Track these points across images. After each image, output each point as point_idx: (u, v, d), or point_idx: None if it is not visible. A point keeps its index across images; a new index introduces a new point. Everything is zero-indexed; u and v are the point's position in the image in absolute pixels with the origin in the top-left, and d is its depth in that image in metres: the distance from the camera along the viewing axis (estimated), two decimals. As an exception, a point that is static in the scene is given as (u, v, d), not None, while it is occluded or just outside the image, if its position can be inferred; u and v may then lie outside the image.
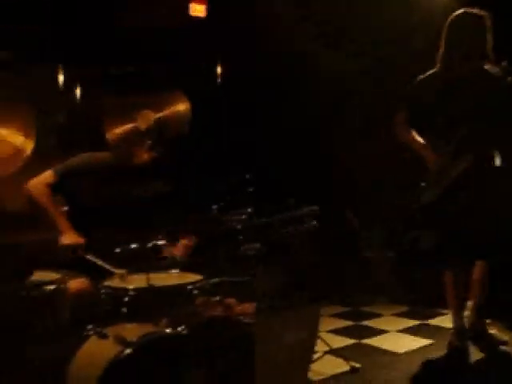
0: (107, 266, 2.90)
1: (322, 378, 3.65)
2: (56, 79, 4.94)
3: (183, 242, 3.36)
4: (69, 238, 3.16)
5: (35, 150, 4.28)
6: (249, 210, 3.25)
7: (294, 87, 5.33)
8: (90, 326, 2.63)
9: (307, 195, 3.56)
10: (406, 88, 3.83)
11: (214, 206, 3.31)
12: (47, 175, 3.36)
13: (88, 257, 2.98)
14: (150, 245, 2.77)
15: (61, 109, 4.96)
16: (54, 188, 3.33)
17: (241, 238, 3.23)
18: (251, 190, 3.40)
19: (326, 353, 3.87)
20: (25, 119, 4.54)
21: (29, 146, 4.32)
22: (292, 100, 5.35)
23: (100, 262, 2.93)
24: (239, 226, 3.21)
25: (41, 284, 2.76)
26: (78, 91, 5.02)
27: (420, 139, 3.83)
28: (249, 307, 3.27)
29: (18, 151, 4.32)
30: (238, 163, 4.36)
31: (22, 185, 3.95)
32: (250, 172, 3.48)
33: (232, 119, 5.18)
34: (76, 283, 2.96)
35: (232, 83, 5.26)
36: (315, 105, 5.38)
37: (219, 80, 5.20)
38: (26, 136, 4.35)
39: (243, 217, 3.23)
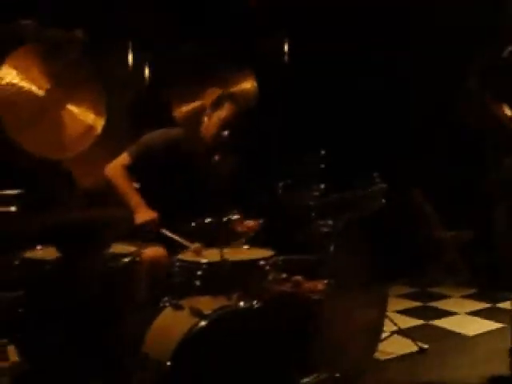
0: (182, 241, 2.93)
1: (389, 357, 3.63)
2: (126, 58, 5.00)
3: (250, 222, 3.35)
4: (143, 216, 3.20)
5: (106, 129, 4.38)
6: (321, 186, 3.24)
7: (365, 63, 5.24)
8: (165, 298, 2.68)
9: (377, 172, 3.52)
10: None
11: (284, 182, 3.29)
12: (123, 158, 3.36)
13: (163, 231, 3.01)
14: (224, 219, 2.78)
15: (130, 88, 5.02)
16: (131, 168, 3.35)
17: (313, 214, 3.22)
18: (323, 166, 3.37)
19: (393, 333, 3.85)
20: (95, 98, 4.65)
21: (99, 124, 4.43)
22: (359, 78, 5.27)
23: (175, 237, 2.96)
24: (312, 203, 3.20)
25: (118, 256, 2.84)
26: (146, 70, 5.07)
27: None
28: (318, 285, 3.26)
29: (90, 129, 4.43)
30: (310, 140, 4.32)
31: (93, 162, 4.05)
32: (321, 148, 3.44)
33: (301, 96, 5.13)
34: (152, 251, 3.00)
35: (300, 60, 5.21)
36: (384, 84, 5.29)
37: (286, 57, 5.16)
38: (97, 114, 4.46)
39: (316, 193, 3.21)
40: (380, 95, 5.26)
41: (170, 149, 3.31)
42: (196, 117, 4.61)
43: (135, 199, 3.24)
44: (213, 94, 4.84)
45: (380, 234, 3.29)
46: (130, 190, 3.28)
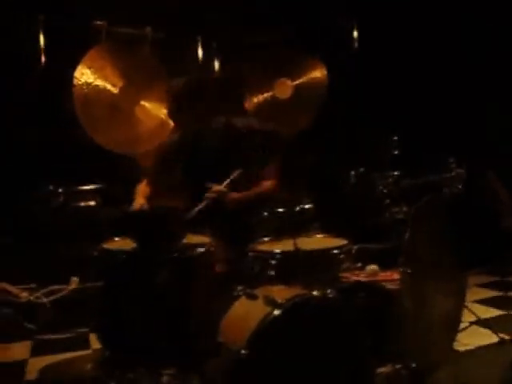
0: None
1: (468, 348, 3.53)
2: (195, 53, 5.06)
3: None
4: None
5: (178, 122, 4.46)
6: (395, 172, 3.17)
7: (436, 50, 5.10)
8: (239, 287, 2.70)
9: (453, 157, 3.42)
10: None
11: (357, 170, 3.25)
12: None
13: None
14: (297, 209, 2.78)
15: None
16: None
17: (387, 202, 3.16)
18: (396, 152, 3.30)
19: (472, 323, 3.74)
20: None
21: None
22: (433, 64, 5.14)
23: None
24: (385, 190, 3.14)
25: (192, 246, 2.89)
26: (217, 63, 5.11)
27: None
28: (394, 274, 3.21)
29: (163, 123, 4.52)
30: (382, 126, 4.25)
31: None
32: (394, 134, 3.37)
33: (372, 81, 5.05)
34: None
35: (370, 47, 5.13)
36: (458, 67, 5.12)
37: (356, 44, 5.08)
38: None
39: (389, 180, 3.15)
40: (453, 79, 5.11)
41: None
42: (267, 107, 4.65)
43: None
44: (283, 84, 4.85)
45: (458, 220, 3.19)
46: None
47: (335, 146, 4.79)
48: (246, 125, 3.52)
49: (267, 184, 3.41)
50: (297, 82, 4.90)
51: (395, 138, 3.36)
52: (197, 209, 3.12)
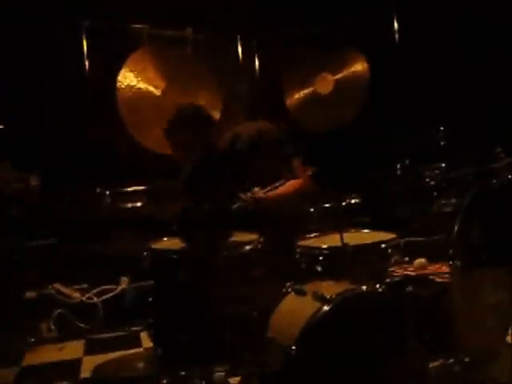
0: None
1: (523, 341, 3.45)
2: (235, 51, 5.08)
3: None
4: None
5: (221, 120, 4.49)
6: (442, 164, 3.11)
7: (478, 40, 4.99)
8: (288, 283, 2.71)
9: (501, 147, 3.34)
10: None
11: (403, 162, 3.20)
12: None
13: None
14: (344, 204, 2.76)
15: (242, 78, 5.10)
16: None
17: (435, 194, 3.11)
18: (443, 143, 3.24)
19: (526, 316, 3.64)
20: (209, 92, 4.78)
21: (215, 116, 4.54)
22: (477, 53, 5.02)
23: None
24: (433, 182, 3.09)
25: (240, 244, 2.91)
26: (257, 61, 5.13)
27: None
28: (443, 267, 3.17)
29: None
30: (428, 117, 4.18)
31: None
32: (441, 125, 3.31)
33: (416, 73, 4.98)
34: None
35: (410, 36, 5.05)
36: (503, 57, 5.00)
37: (397, 36, 5.01)
38: (212, 108, 4.57)
39: (437, 172, 3.09)
40: (497, 67, 4.98)
41: None
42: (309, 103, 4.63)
43: None
44: (323, 79, 4.82)
45: (508, 210, 3.12)
46: None
47: (380, 140, 4.73)
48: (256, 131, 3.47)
49: (297, 182, 3.37)
50: (337, 77, 4.88)
51: (442, 128, 3.30)
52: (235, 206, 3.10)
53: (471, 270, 2.88)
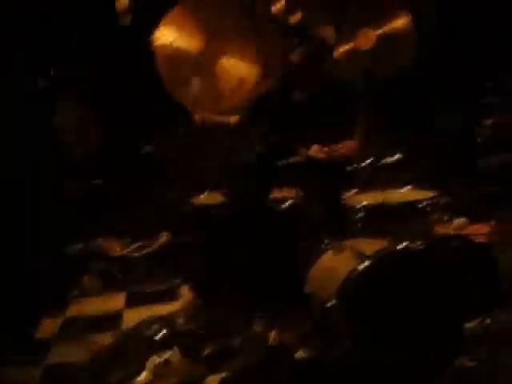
0: None
1: None
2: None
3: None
4: None
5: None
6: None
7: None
8: (327, 240, 2.72)
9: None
10: None
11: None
12: None
13: None
14: (382, 162, 2.74)
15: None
16: None
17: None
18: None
19: None
20: (249, 49, 4.67)
21: (253, 78, 4.46)
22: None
23: None
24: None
25: (279, 200, 2.92)
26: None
27: None
28: (482, 227, 3.14)
29: (242, 83, 4.47)
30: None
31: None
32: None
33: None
34: None
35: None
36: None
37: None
38: (250, 67, 4.49)
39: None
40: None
41: None
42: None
43: None
44: (365, 34, 4.70)
45: None
46: None
47: (431, 91, 4.56)
48: None
49: (351, 144, 3.34)
50: (379, 32, 4.74)
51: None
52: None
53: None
